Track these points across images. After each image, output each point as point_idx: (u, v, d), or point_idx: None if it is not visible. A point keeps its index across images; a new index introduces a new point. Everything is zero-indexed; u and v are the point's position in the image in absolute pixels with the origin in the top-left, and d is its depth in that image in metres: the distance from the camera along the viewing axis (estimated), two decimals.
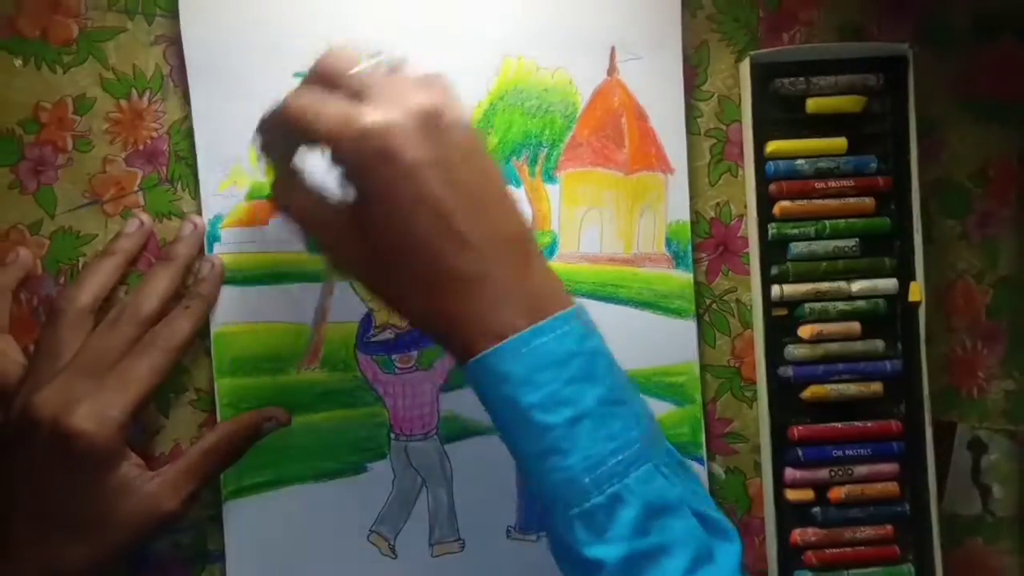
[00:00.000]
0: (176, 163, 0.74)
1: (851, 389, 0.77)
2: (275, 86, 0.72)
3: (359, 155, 0.58)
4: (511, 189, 0.65)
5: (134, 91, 0.74)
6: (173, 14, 0.73)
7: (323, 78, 0.62)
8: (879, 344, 0.77)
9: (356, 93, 0.60)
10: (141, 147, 0.74)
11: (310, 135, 0.60)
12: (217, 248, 0.73)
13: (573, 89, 0.76)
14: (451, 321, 0.60)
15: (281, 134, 0.63)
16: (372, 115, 0.58)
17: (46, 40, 0.73)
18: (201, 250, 0.73)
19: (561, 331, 0.59)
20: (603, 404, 0.59)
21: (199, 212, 0.74)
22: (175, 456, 0.70)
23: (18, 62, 0.73)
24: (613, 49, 0.76)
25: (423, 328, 0.65)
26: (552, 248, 0.76)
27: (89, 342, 0.67)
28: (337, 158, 0.60)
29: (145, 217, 0.72)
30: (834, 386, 0.77)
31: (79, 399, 0.63)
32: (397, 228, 0.59)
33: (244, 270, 0.73)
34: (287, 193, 0.65)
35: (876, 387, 0.77)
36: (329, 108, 0.59)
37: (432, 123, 0.59)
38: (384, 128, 0.58)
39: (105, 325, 0.68)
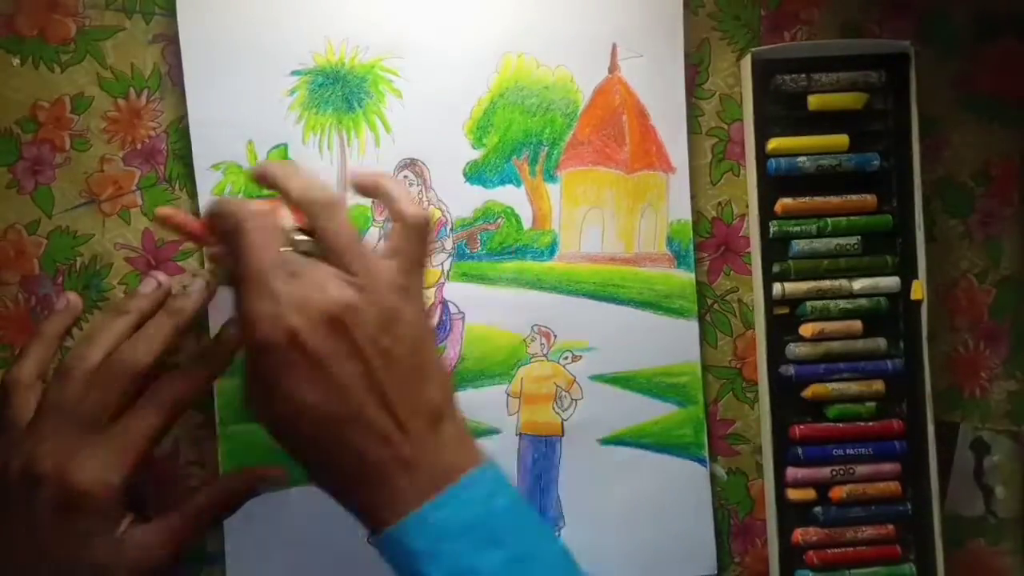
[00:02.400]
0: (174, 162, 0.74)
1: (852, 388, 0.77)
2: (272, 88, 0.73)
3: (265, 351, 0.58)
4: (437, 350, 0.64)
5: (132, 90, 0.74)
6: (171, 13, 0.73)
7: None
8: (881, 343, 0.77)
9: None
10: (139, 146, 0.74)
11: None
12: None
13: (574, 87, 0.76)
14: (354, 491, 0.61)
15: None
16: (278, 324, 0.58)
17: (44, 39, 0.73)
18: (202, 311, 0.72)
19: (466, 496, 0.59)
20: (510, 564, 0.58)
21: (196, 211, 0.73)
22: (170, 504, 0.69)
23: (16, 61, 0.73)
24: (615, 46, 0.76)
25: (326, 490, 0.64)
26: (553, 248, 0.76)
27: (86, 397, 0.65)
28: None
29: (163, 277, 0.71)
30: (835, 385, 0.77)
31: (82, 457, 0.63)
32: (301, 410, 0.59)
33: None
34: None
35: (878, 386, 0.77)
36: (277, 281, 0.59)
37: (343, 321, 0.58)
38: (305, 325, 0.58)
39: (100, 377, 0.66)
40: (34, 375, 0.69)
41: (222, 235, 0.63)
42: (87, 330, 0.68)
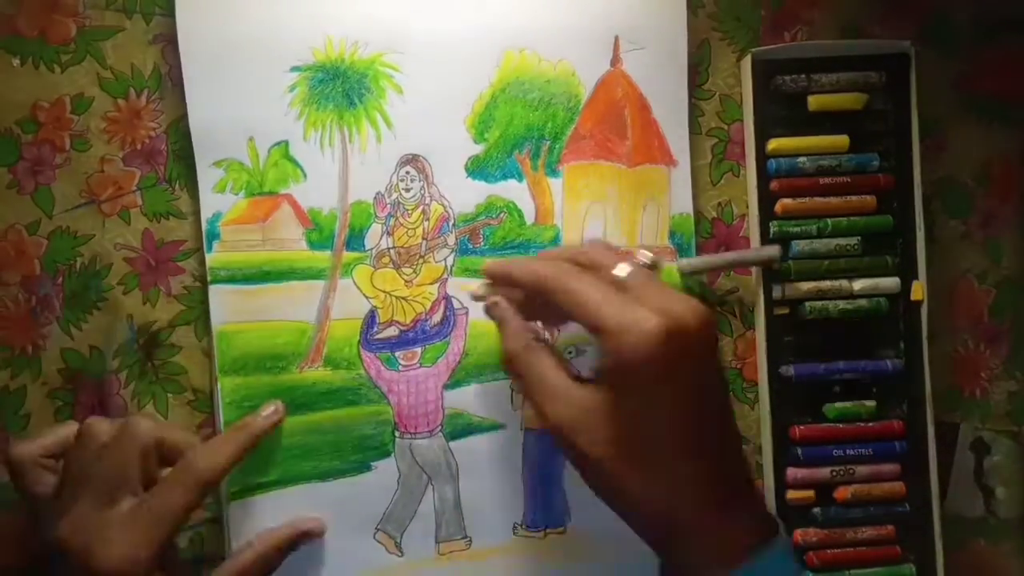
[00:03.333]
0: (174, 162, 0.74)
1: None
2: (272, 84, 0.73)
3: (649, 355, 0.56)
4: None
5: (132, 90, 0.74)
6: (171, 13, 0.73)
7: (578, 260, 0.63)
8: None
9: (620, 286, 0.59)
10: (139, 146, 0.74)
11: (584, 320, 0.59)
12: (217, 246, 0.73)
13: (576, 81, 0.76)
14: (662, 544, 0.60)
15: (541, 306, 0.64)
16: (662, 320, 0.56)
17: (44, 39, 0.73)
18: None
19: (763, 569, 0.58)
20: None
21: (197, 210, 0.73)
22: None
23: (16, 61, 0.73)
24: (616, 39, 0.76)
25: (642, 525, 0.61)
26: (555, 242, 0.76)
27: (114, 475, 0.65)
28: (614, 352, 0.57)
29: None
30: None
31: (106, 540, 0.63)
32: (672, 424, 0.58)
33: (245, 268, 0.73)
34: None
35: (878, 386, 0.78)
36: (611, 301, 0.58)
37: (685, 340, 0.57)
38: (677, 335, 0.56)
39: (165, 484, 0.66)
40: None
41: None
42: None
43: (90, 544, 0.62)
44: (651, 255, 0.65)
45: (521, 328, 0.64)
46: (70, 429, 0.68)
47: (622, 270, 0.60)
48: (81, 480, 0.65)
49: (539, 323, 0.71)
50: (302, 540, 0.72)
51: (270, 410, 0.72)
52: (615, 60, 0.76)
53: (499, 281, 0.67)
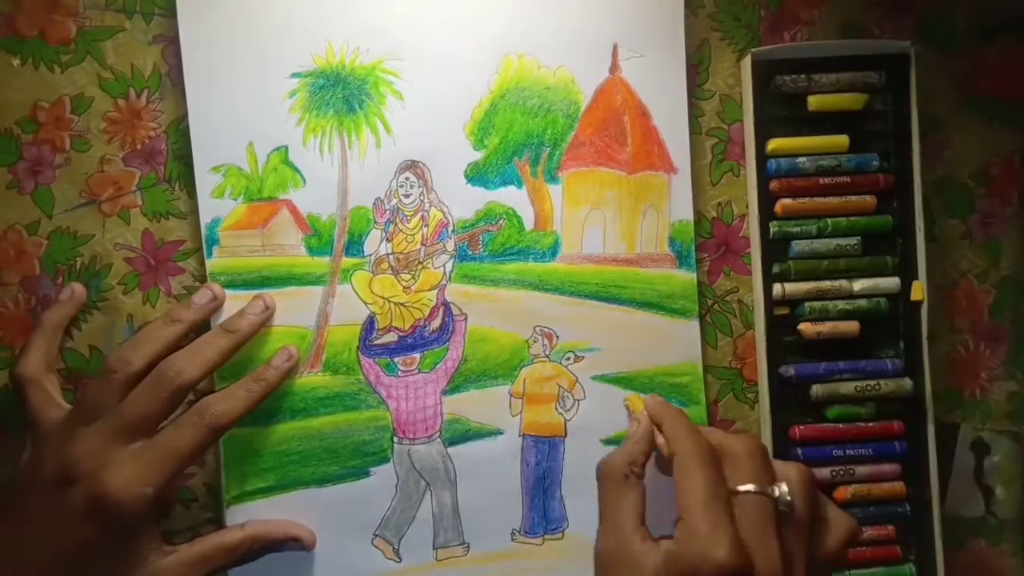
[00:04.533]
0: (174, 163, 0.74)
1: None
2: (273, 90, 0.73)
3: None
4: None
5: (132, 90, 0.74)
6: (171, 13, 0.73)
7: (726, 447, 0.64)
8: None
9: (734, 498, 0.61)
10: (139, 147, 0.74)
11: (680, 501, 0.61)
12: (216, 251, 0.73)
13: (575, 88, 0.76)
14: None
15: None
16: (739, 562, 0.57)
17: (44, 39, 0.73)
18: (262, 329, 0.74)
19: None
20: None
21: (196, 211, 0.73)
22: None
23: (16, 61, 0.73)
24: (616, 47, 0.76)
25: None
26: (555, 249, 0.76)
27: (128, 407, 0.67)
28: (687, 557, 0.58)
29: (218, 290, 0.72)
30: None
31: (119, 464, 0.64)
32: None
33: (244, 273, 0.73)
34: None
35: (878, 386, 0.77)
36: (714, 509, 0.59)
37: None
38: None
39: (147, 386, 0.67)
40: (42, 368, 0.70)
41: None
42: (137, 335, 0.70)
43: (99, 472, 0.63)
44: (789, 497, 0.62)
45: (637, 455, 0.65)
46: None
47: (748, 488, 0.61)
48: (100, 411, 0.66)
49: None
50: (291, 543, 0.73)
51: (283, 358, 0.72)
52: (614, 67, 0.76)
53: (653, 419, 0.68)
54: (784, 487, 0.61)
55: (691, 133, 0.77)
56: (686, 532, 0.58)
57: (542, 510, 0.76)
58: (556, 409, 0.76)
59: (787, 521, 0.60)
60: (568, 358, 0.76)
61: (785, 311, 0.78)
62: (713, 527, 0.57)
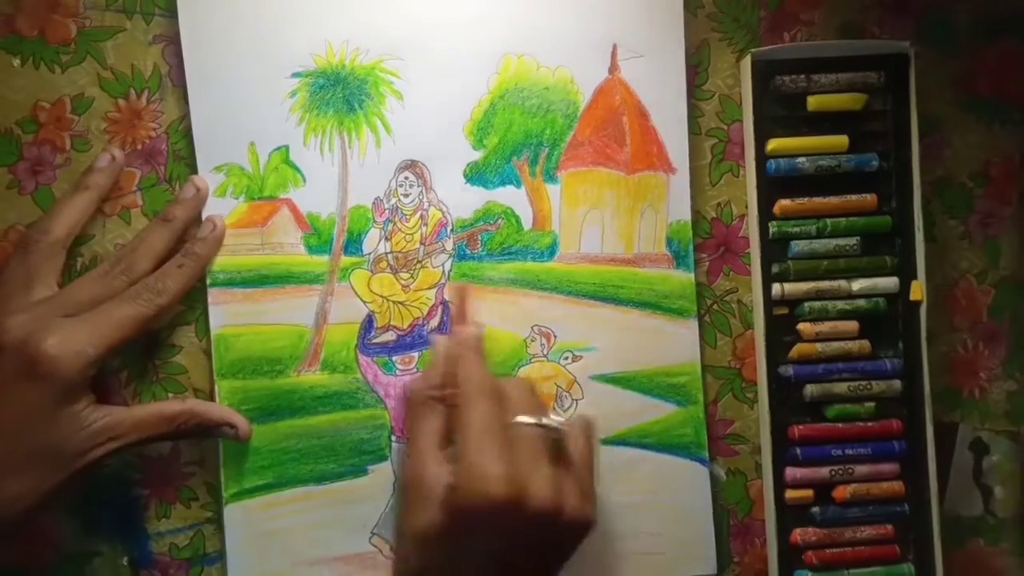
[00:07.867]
0: (175, 163, 0.74)
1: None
2: (274, 90, 0.73)
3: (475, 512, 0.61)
4: None
5: (132, 91, 0.74)
6: (172, 13, 0.73)
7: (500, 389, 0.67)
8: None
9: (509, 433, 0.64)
10: (139, 147, 0.74)
11: (457, 434, 0.64)
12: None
13: (574, 88, 0.76)
14: None
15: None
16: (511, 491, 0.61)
17: (44, 39, 0.73)
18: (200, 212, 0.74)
19: None
20: None
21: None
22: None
23: (16, 61, 0.73)
24: (615, 47, 0.76)
25: None
26: (553, 249, 0.76)
27: (74, 288, 0.68)
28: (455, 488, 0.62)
29: (116, 152, 0.72)
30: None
31: (54, 328, 0.65)
32: None
33: (244, 271, 0.73)
34: None
35: (877, 386, 0.77)
36: (487, 443, 0.63)
37: None
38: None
39: (94, 275, 0.69)
40: (65, 236, 0.71)
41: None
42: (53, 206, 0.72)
43: (33, 335, 0.64)
44: (561, 425, 0.66)
45: (436, 380, 0.68)
46: None
47: (522, 419, 0.64)
48: (29, 280, 0.68)
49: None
50: (226, 428, 0.72)
51: (207, 227, 0.73)
52: (613, 67, 0.76)
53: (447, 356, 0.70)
54: (556, 417, 0.65)
55: (691, 133, 0.77)
56: (463, 465, 0.61)
57: None
58: (554, 409, 0.76)
59: (561, 450, 0.64)
60: (566, 358, 0.76)
61: (784, 311, 0.78)
62: (486, 460, 0.61)
